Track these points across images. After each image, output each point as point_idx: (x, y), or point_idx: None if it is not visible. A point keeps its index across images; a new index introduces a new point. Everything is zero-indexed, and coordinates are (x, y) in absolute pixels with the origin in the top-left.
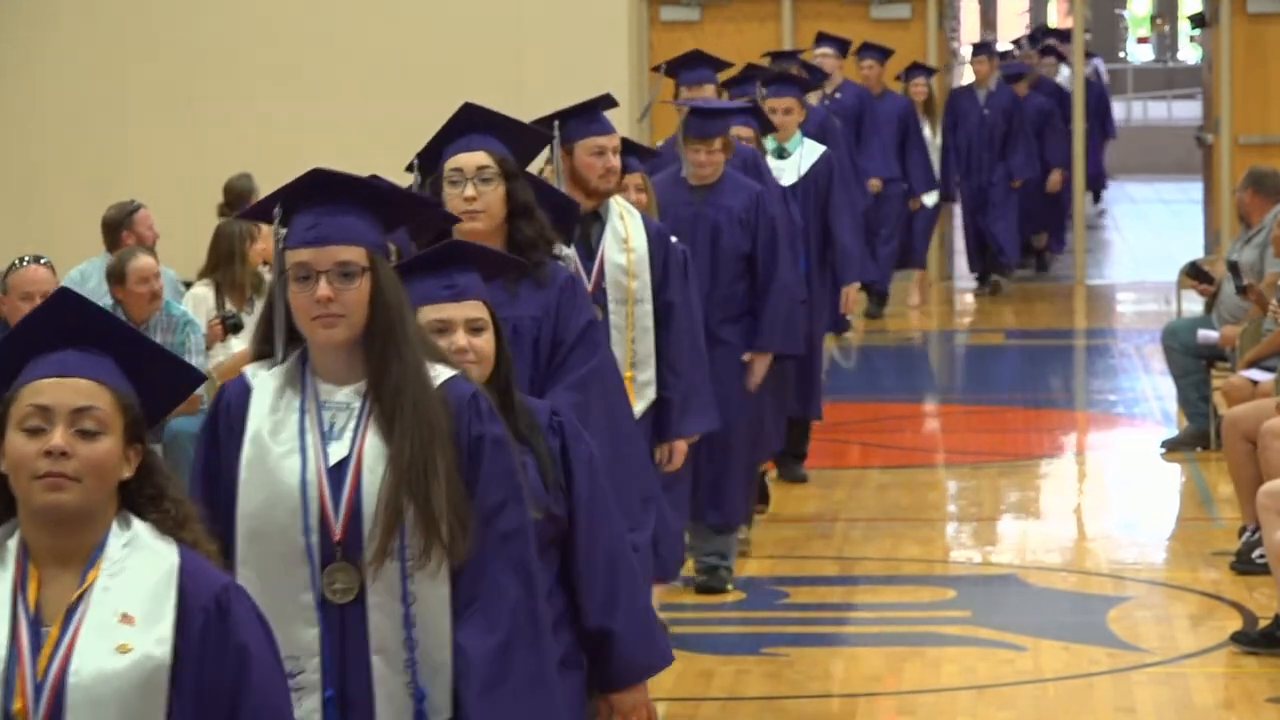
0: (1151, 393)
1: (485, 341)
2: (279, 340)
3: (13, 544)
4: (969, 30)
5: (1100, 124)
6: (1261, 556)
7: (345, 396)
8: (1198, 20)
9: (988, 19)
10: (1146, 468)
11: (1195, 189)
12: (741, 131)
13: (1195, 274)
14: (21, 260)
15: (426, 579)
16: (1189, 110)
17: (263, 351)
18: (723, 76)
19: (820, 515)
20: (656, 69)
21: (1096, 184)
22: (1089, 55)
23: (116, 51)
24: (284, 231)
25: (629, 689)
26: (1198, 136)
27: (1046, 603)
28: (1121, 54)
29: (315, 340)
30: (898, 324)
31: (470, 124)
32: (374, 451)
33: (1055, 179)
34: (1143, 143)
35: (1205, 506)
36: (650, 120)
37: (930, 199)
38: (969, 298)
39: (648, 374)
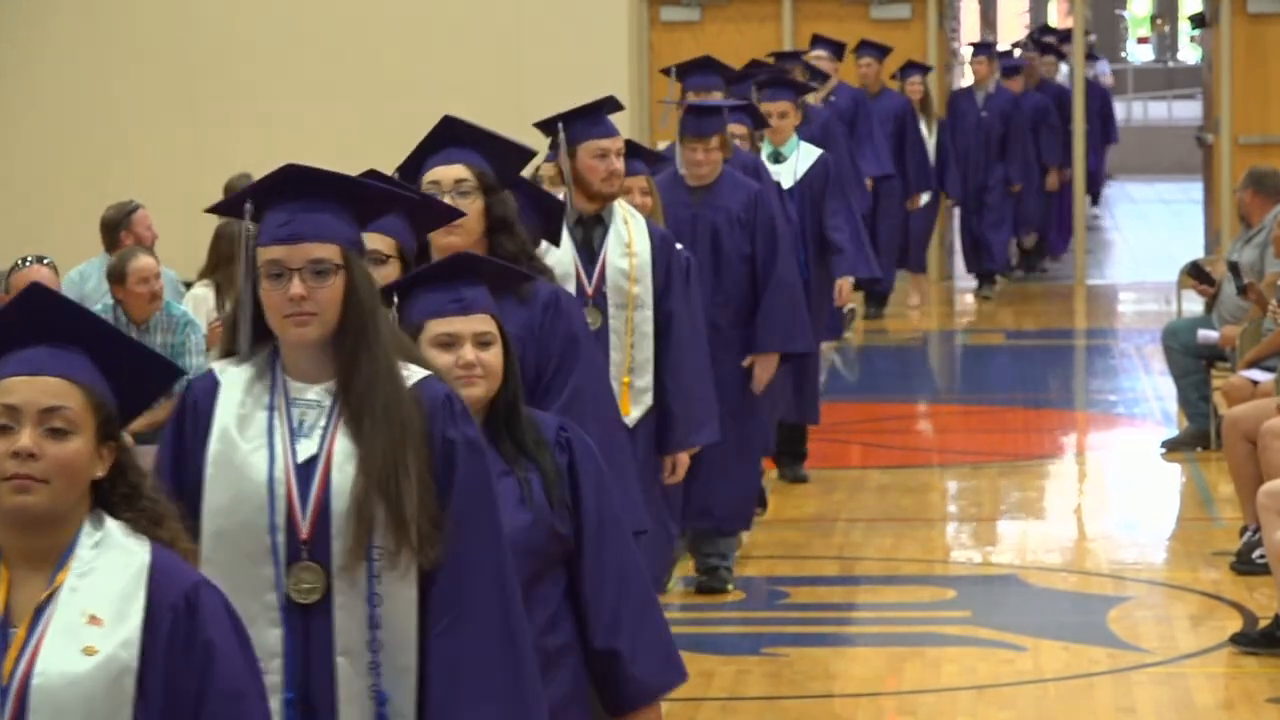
0: (1151, 393)
1: (493, 356)
2: (245, 338)
3: None
4: (969, 30)
5: (1102, 127)
6: (1261, 556)
7: (316, 395)
8: (1198, 20)
9: (988, 19)
10: (1146, 468)
11: (1195, 189)
12: (735, 129)
13: (1195, 274)
14: (24, 260)
15: (395, 581)
16: (1189, 110)
17: (231, 348)
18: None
19: (820, 515)
20: (666, 72)
21: (1094, 186)
22: (1094, 57)
23: (116, 51)
24: (254, 228)
25: (640, 711)
26: (1198, 136)
27: (1046, 603)
28: (1121, 54)
29: (287, 338)
30: (897, 324)
31: (450, 137)
32: (344, 450)
33: (1052, 179)
34: (1143, 143)
35: (1205, 506)
36: (650, 122)
37: (926, 197)
38: (969, 298)
39: (645, 380)
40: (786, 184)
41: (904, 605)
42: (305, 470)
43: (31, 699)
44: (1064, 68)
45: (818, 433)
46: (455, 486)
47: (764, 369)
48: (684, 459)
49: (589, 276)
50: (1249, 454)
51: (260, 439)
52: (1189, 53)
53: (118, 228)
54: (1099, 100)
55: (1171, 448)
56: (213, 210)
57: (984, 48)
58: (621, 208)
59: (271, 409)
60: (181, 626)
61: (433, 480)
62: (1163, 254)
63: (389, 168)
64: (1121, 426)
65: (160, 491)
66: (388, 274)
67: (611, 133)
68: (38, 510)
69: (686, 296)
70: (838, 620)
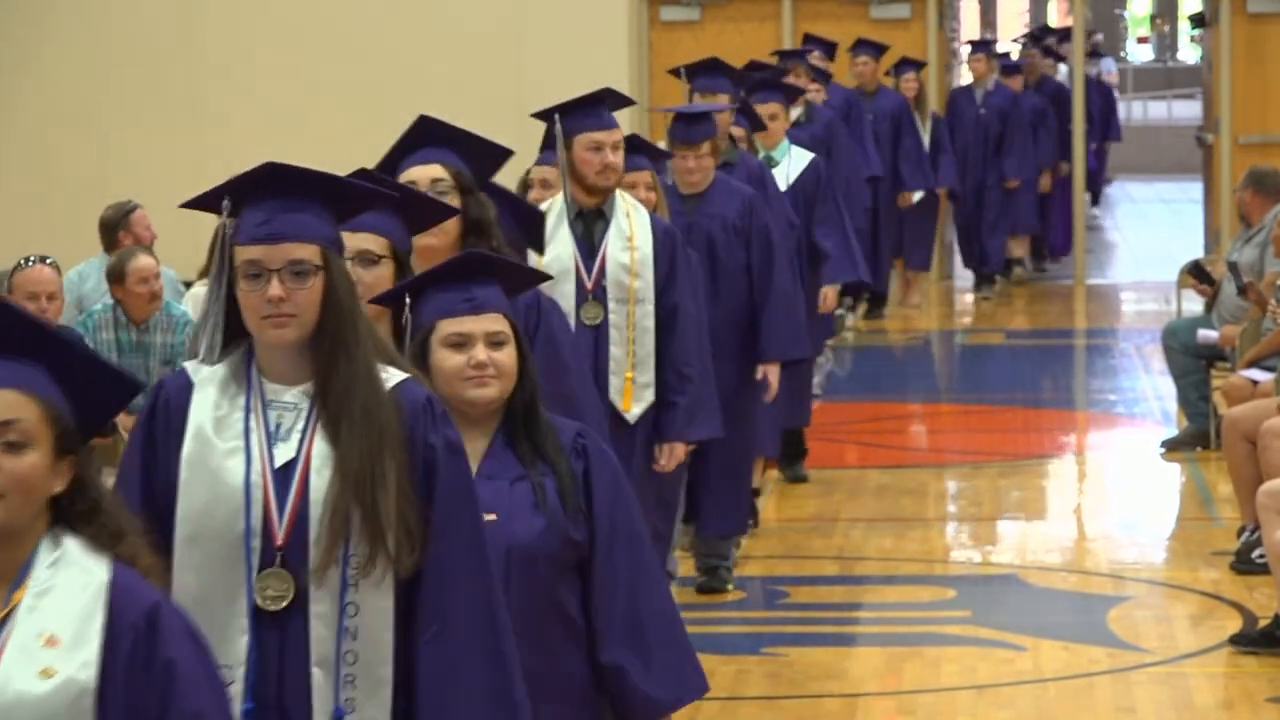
0: (1151, 393)
1: (506, 356)
2: (217, 339)
3: None
4: (969, 29)
5: (1104, 124)
6: (1261, 556)
7: (293, 397)
8: (1198, 20)
9: (988, 19)
10: (1146, 468)
11: (1195, 189)
12: (734, 131)
13: (1196, 274)
14: (27, 260)
15: (369, 589)
16: (1189, 110)
17: (204, 349)
18: None
19: (820, 515)
20: (675, 72)
21: (1094, 186)
22: (1098, 55)
23: (116, 51)
24: (231, 225)
25: None
26: (1198, 136)
27: (1046, 603)
28: (1121, 54)
29: (264, 340)
30: (897, 324)
31: (425, 137)
32: (321, 455)
33: (1045, 181)
34: (1143, 142)
35: (1205, 506)
36: (650, 121)
37: (917, 194)
38: (969, 298)
39: (647, 376)
40: (780, 188)
41: (904, 605)
42: (282, 475)
43: None
44: (1063, 67)
45: (818, 433)
46: (437, 492)
47: (774, 377)
48: (680, 449)
49: (589, 271)
50: (1249, 454)
51: (237, 441)
52: (1189, 52)
53: (116, 228)
54: (1102, 98)
55: (1171, 448)
56: (189, 205)
57: (982, 45)
58: (624, 200)
59: (248, 411)
60: (142, 646)
61: (411, 486)
62: (1163, 254)
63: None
64: (1121, 426)
65: (121, 506)
66: (381, 275)
67: (607, 125)
68: None
69: (691, 290)
70: (837, 620)
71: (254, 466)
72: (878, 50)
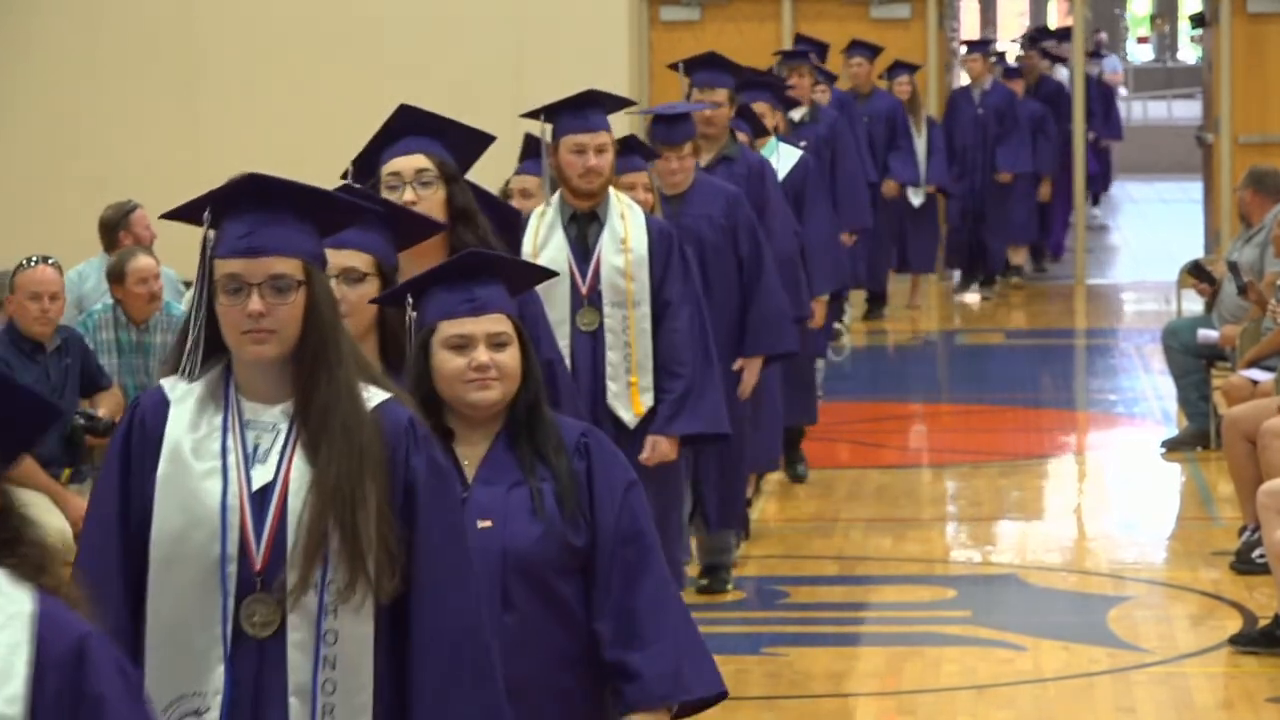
0: (1151, 393)
1: (509, 357)
2: (196, 355)
3: None
4: (969, 29)
5: (1104, 123)
6: (1261, 556)
7: (272, 417)
8: (1198, 20)
9: (988, 18)
10: (1146, 468)
11: (1195, 189)
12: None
13: (1196, 273)
14: (29, 260)
15: (348, 616)
16: (1189, 110)
17: (181, 364)
18: None
19: (820, 515)
20: (674, 67)
21: (1095, 188)
22: (1099, 55)
23: (116, 51)
24: (212, 237)
25: (645, 713)
26: (1198, 136)
27: (1046, 603)
28: (1121, 53)
29: (244, 356)
30: (897, 325)
31: (408, 126)
32: (301, 477)
33: (1045, 189)
34: (1143, 142)
35: (1205, 506)
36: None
37: (917, 199)
38: (969, 297)
39: (649, 379)
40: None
41: (904, 605)
42: (260, 498)
43: None
44: (1063, 68)
45: (818, 432)
46: (420, 516)
47: (750, 372)
48: (663, 444)
49: (583, 275)
50: (1249, 454)
51: (214, 462)
52: (1189, 52)
53: (116, 228)
54: (1102, 98)
55: (1171, 447)
56: (169, 216)
57: (978, 46)
58: (619, 201)
59: (225, 430)
60: (71, 680)
61: (392, 510)
62: (1163, 254)
63: None
64: (1121, 426)
65: (43, 536)
66: (365, 292)
67: (592, 128)
68: None
69: (685, 286)
70: (837, 620)
71: (230, 489)
72: (872, 52)
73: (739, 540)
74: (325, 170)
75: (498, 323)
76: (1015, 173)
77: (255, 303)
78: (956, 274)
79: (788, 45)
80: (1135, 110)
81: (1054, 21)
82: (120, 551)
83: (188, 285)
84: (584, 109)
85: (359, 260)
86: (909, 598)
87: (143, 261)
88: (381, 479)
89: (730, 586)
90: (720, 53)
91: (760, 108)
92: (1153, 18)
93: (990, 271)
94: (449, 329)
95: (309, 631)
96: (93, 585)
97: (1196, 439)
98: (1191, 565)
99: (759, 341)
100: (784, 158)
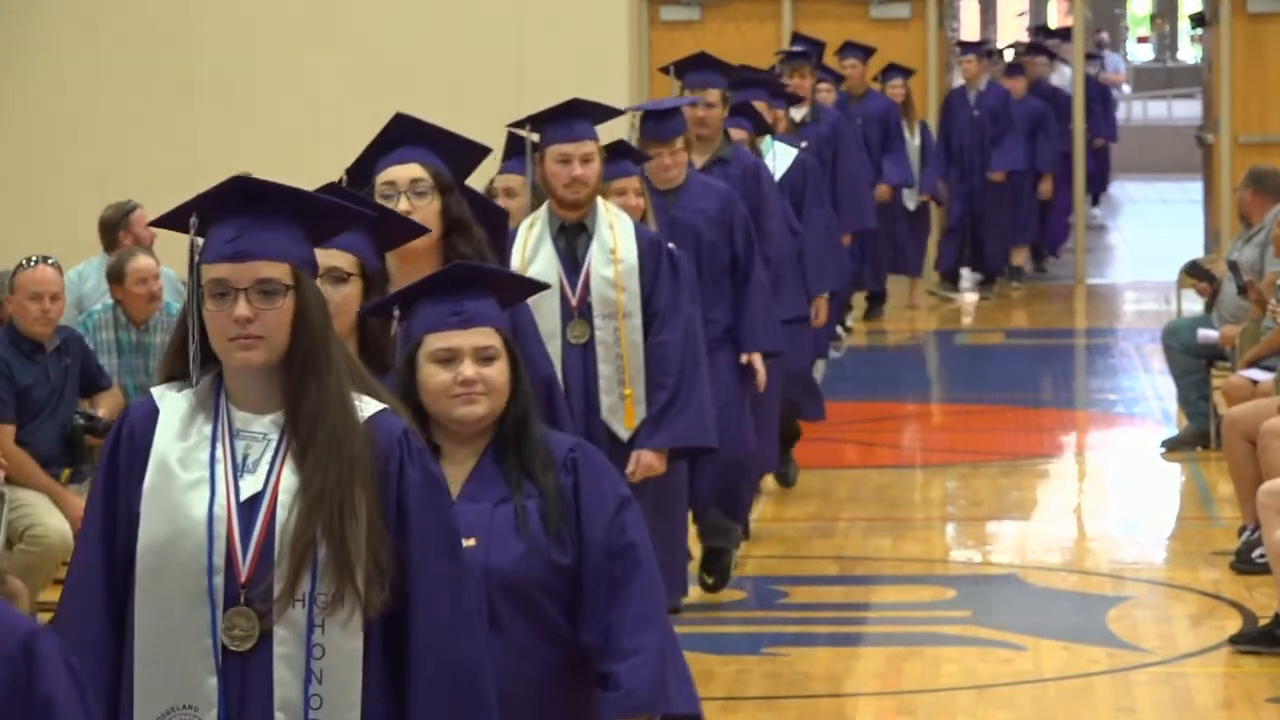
0: (1151, 393)
1: (497, 372)
2: (194, 362)
3: None
4: (968, 30)
5: (1103, 122)
6: (1261, 556)
7: (263, 426)
8: (1198, 20)
9: (988, 19)
10: (1146, 468)
11: (1195, 189)
12: (734, 134)
13: (1195, 273)
14: (30, 260)
15: (336, 630)
16: (1189, 110)
17: (173, 372)
18: None
19: (820, 515)
20: (665, 70)
21: (1094, 187)
22: (1098, 56)
23: (116, 50)
24: (200, 243)
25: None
26: (1198, 136)
27: (1046, 603)
28: (1122, 53)
29: (231, 363)
30: (896, 325)
31: (403, 135)
32: (290, 488)
33: (1045, 187)
34: (1143, 142)
35: (1205, 506)
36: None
37: (911, 201)
38: (969, 297)
39: (643, 390)
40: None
41: (904, 605)
42: (248, 509)
43: None
44: (1066, 70)
45: (818, 432)
46: (412, 531)
47: (760, 366)
48: (648, 458)
49: (573, 287)
50: (1249, 453)
51: (201, 472)
52: (1189, 52)
53: (116, 228)
54: (1099, 98)
55: (1171, 447)
56: (156, 223)
57: (973, 47)
58: (608, 212)
59: (214, 440)
60: (20, 680)
61: (383, 522)
62: (1163, 254)
63: None
64: (1121, 426)
65: None
66: (349, 293)
67: (576, 137)
68: None
69: (674, 294)
70: (837, 620)
71: (218, 500)
72: (865, 53)
73: (739, 540)
74: (325, 171)
75: (486, 336)
76: (1008, 170)
77: (242, 308)
78: (965, 273)
79: (787, 45)
80: (1135, 110)
81: (1054, 21)
82: (104, 565)
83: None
84: (569, 119)
85: (343, 260)
86: (909, 598)
87: (142, 262)
88: (372, 490)
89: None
90: (711, 53)
91: (758, 106)
92: (1153, 18)
93: (988, 271)
94: (435, 342)
95: (296, 646)
96: (73, 599)
97: (1196, 439)
98: (1191, 565)
99: (743, 340)
100: (780, 157)
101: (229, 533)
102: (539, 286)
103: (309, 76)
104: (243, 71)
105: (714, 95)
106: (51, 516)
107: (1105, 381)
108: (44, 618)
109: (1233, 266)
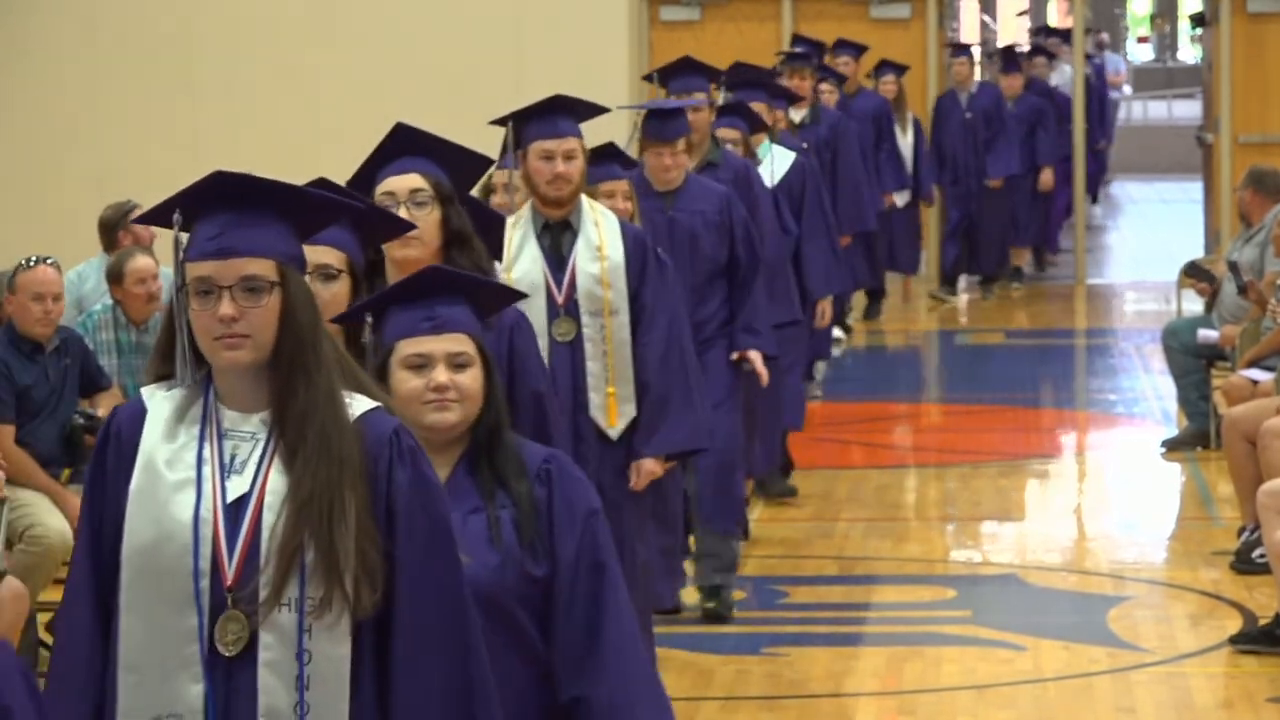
0: (1151, 393)
1: (470, 378)
2: (183, 362)
3: None
4: (968, 30)
5: (1100, 122)
6: (1261, 556)
7: (252, 426)
8: (1198, 20)
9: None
10: (1146, 468)
11: (1195, 189)
12: (728, 134)
13: (1195, 273)
14: (30, 260)
15: (324, 635)
16: (1189, 110)
17: (162, 372)
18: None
19: (820, 515)
20: (648, 78)
21: (1093, 187)
22: (1091, 57)
23: (116, 50)
24: (185, 240)
25: None
26: (1198, 136)
27: (1046, 603)
28: (1121, 53)
29: (218, 363)
30: (896, 325)
31: (403, 145)
32: (276, 489)
33: (1046, 177)
34: (1143, 142)
35: (1205, 506)
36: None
37: (901, 199)
38: (969, 297)
39: (628, 389)
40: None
41: (904, 605)
42: (235, 511)
43: None
44: (1067, 69)
45: (818, 433)
46: (401, 532)
47: (759, 363)
48: (648, 466)
49: (559, 285)
50: (1249, 454)
51: (188, 473)
52: (1189, 52)
53: (116, 228)
54: (1096, 99)
55: (1171, 447)
56: (140, 221)
57: (963, 49)
58: (593, 209)
59: (201, 441)
60: None
61: (373, 524)
62: (1163, 254)
63: None
64: (1121, 426)
65: None
66: (337, 290)
67: (559, 134)
68: None
69: (662, 293)
70: (837, 620)
71: (204, 501)
72: (857, 51)
73: (744, 538)
74: (325, 171)
75: (459, 343)
76: (1005, 176)
77: (226, 306)
78: (964, 278)
79: (787, 45)
80: (1135, 110)
81: (1054, 21)
82: (90, 569)
83: None
84: (552, 115)
85: (332, 257)
86: (909, 598)
87: (141, 262)
88: (362, 490)
89: (734, 610)
90: (695, 57)
91: (757, 107)
92: (1153, 18)
93: (986, 272)
94: (407, 348)
95: (282, 650)
96: (66, 607)
97: (1196, 439)
98: (1191, 565)
99: (742, 339)
100: (778, 159)
101: (215, 535)
102: (517, 295)
103: (309, 76)
104: (243, 71)
105: (699, 99)
106: (51, 517)
107: (1105, 381)
108: (44, 618)
109: (1233, 266)
